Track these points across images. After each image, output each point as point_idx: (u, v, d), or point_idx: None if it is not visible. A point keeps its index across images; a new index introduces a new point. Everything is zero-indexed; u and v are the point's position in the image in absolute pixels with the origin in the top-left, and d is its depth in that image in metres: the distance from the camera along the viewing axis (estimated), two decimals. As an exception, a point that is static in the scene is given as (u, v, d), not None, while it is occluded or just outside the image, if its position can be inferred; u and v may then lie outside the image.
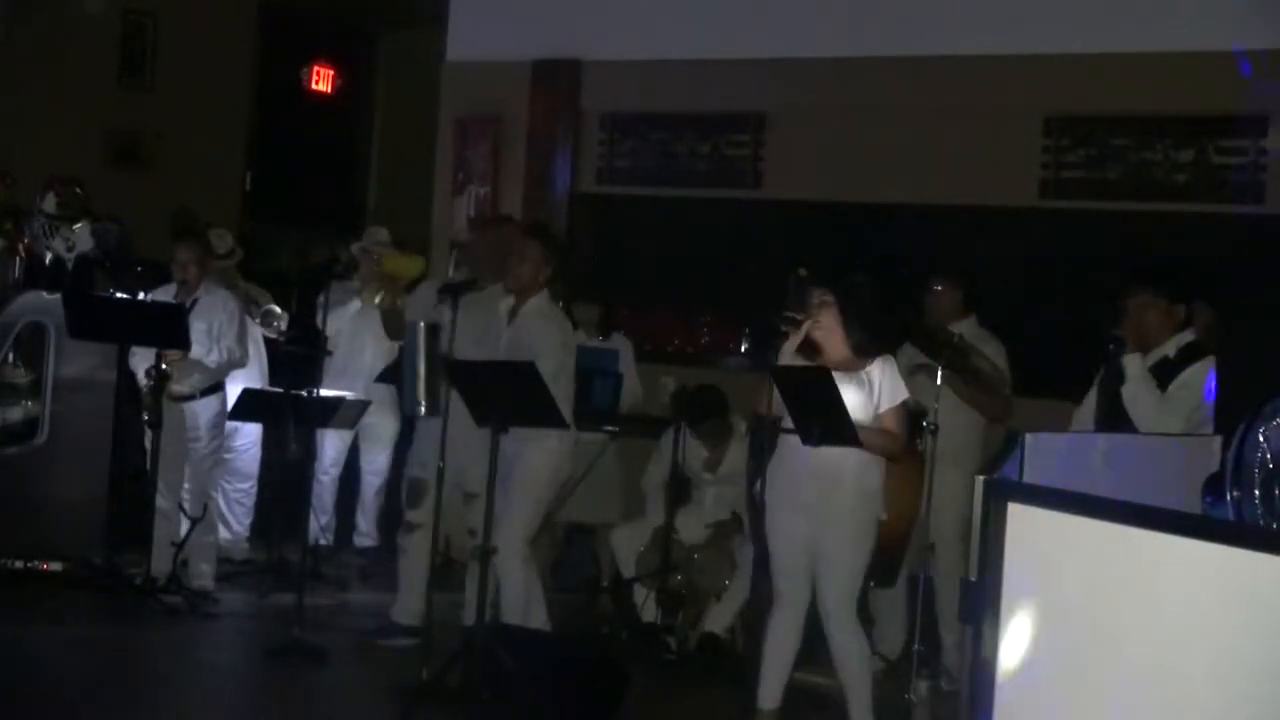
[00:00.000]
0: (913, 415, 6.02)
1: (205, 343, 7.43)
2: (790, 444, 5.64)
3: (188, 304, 7.48)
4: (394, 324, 7.54)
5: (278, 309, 8.59)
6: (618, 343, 8.37)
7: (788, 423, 5.63)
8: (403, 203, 12.38)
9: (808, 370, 5.85)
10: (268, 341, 8.59)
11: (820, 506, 5.55)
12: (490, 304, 6.47)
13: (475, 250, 7.18)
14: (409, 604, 6.88)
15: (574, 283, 9.08)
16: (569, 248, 6.65)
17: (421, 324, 6.37)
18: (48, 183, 8.27)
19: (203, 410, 7.58)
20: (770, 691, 5.71)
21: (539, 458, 6.16)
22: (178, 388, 7.42)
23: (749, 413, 7.22)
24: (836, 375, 5.58)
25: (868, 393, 5.59)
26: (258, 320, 8.44)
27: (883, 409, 5.59)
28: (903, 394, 5.65)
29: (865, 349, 5.65)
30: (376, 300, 7.79)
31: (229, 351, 7.55)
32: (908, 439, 5.87)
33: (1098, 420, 5.66)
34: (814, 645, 5.90)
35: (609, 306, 8.43)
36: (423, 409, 6.34)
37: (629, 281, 9.22)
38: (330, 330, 7.74)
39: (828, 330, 5.66)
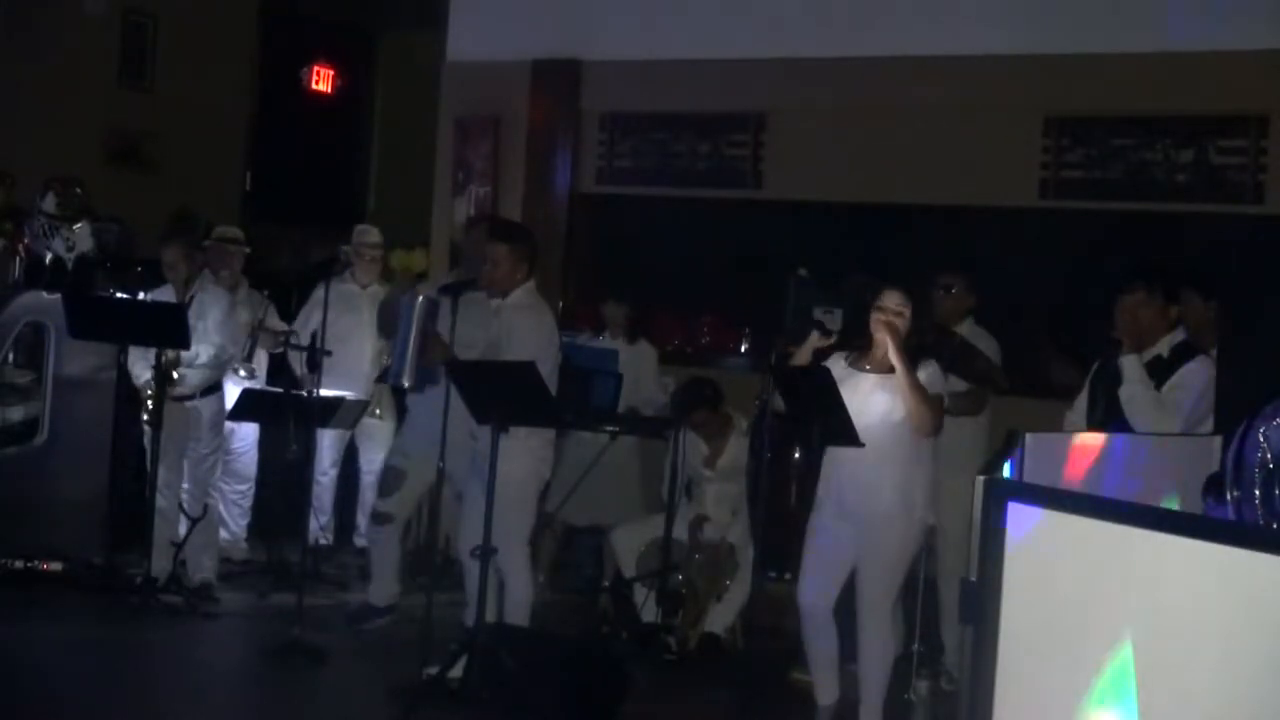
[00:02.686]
0: None
1: (203, 341, 7.44)
2: (838, 453, 5.71)
3: (185, 301, 7.48)
4: (389, 319, 7.31)
5: (281, 325, 8.56)
6: (642, 348, 8.37)
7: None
8: (403, 203, 12.39)
9: (809, 371, 5.88)
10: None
11: (866, 510, 5.63)
12: (485, 304, 6.48)
13: (468, 249, 7.22)
14: (383, 587, 7.17)
15: (603, 284, 9.10)
16: (533, 239, 6.63)
17: (420, 298, 6.33)
18: (48, 183, 8.26)
19: (204, 409, 7.58)
20: (826, 688, 5.87)
21: (516, 457, 6.09)
22: (179, 389, 7.42)
23: (749, 411, 7.26)
24: (871, 378, 5.65)
25: (900, 397, 5.64)
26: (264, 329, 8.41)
27: None
28: (938, 387, 5.74)
29: (913, 356, 5.71)
30: (383, 292, 7.76)
31: (216, 347, 7.52)
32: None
33: (1092, 420, 5.67)
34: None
35: (638, 310, 8.42)
36: (407, 382, 6.32)
37: (629, 281, 9.21)
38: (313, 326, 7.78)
39: (896, 338, 5.70)
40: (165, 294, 7.63)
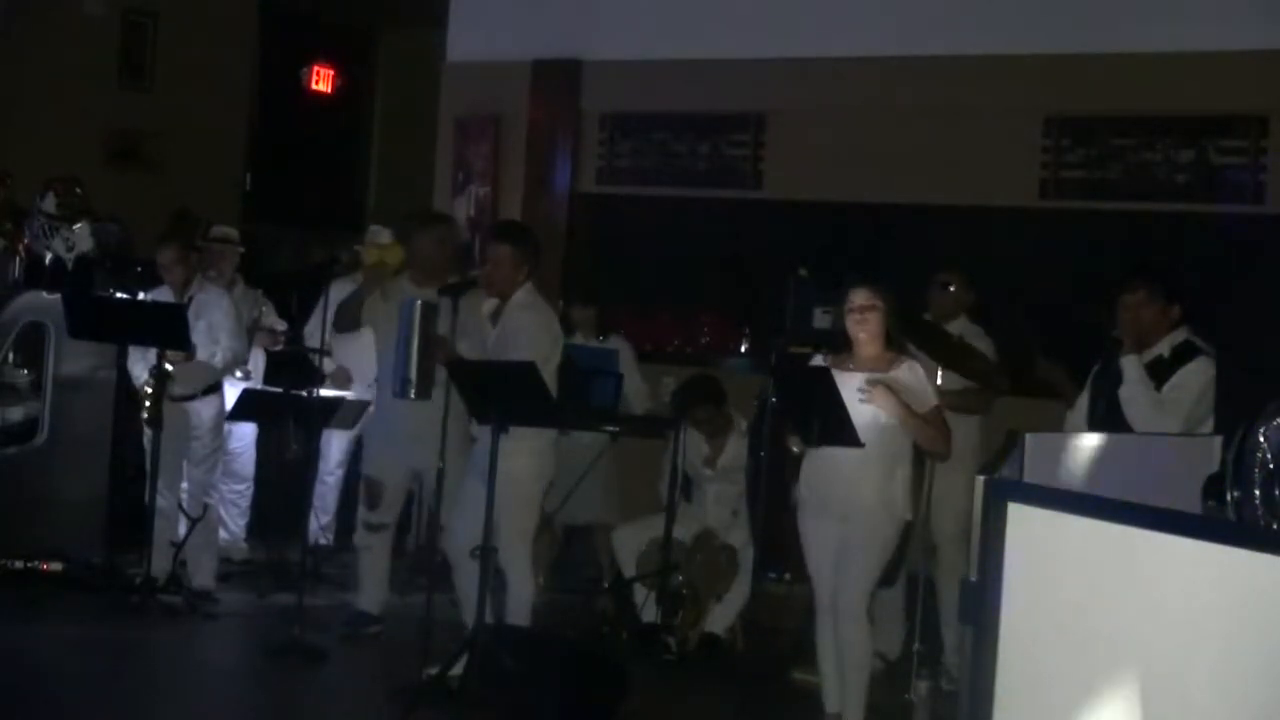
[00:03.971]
0: None
1: (204, 341, 7.43)
2: (819, 452, 5.69)
3: (184, 302, 7.48)
4: (346, 315, 7.10)
5: (281, 324, 8.55)
6: (616, 344, 8.36)
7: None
8: (403, 203, 12.35)
9: (808, 370, 5.88)
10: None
11: (846, 509, 5.61)
12: (479, 304, 6.47)
13: (417, 249, 7.06)
14: (375, 594, 7.09)
15: (572, 285, 9.10)
16: (536, 240, 6.62)
17: (418, 303, 6.26)
18: (48, 183, 8.26)
19: (203, 409, 7.57)
20: (836, 694, 5.82)
21: (521, 456, 6.08)
22: (180, 389, 7.42)
23: (749, 410, 7.26)
24: (856, 378, 5.65)
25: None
26: (260, 328, 8.40)
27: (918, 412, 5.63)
28: (932, 399, 5.69)
29: (896, 350, 5.69)
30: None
31: (230, 350, 7.55)
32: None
33: (1092, 421, 5.67)
34: (811, 645, 5.94)
35: (605, 308, 8.42)
36: (413, 391, 6.26)
37: (629, 281, 9.22)
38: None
39: (871, 334, 5.68)
40: (164, 294, 7.62)
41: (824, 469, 5.70)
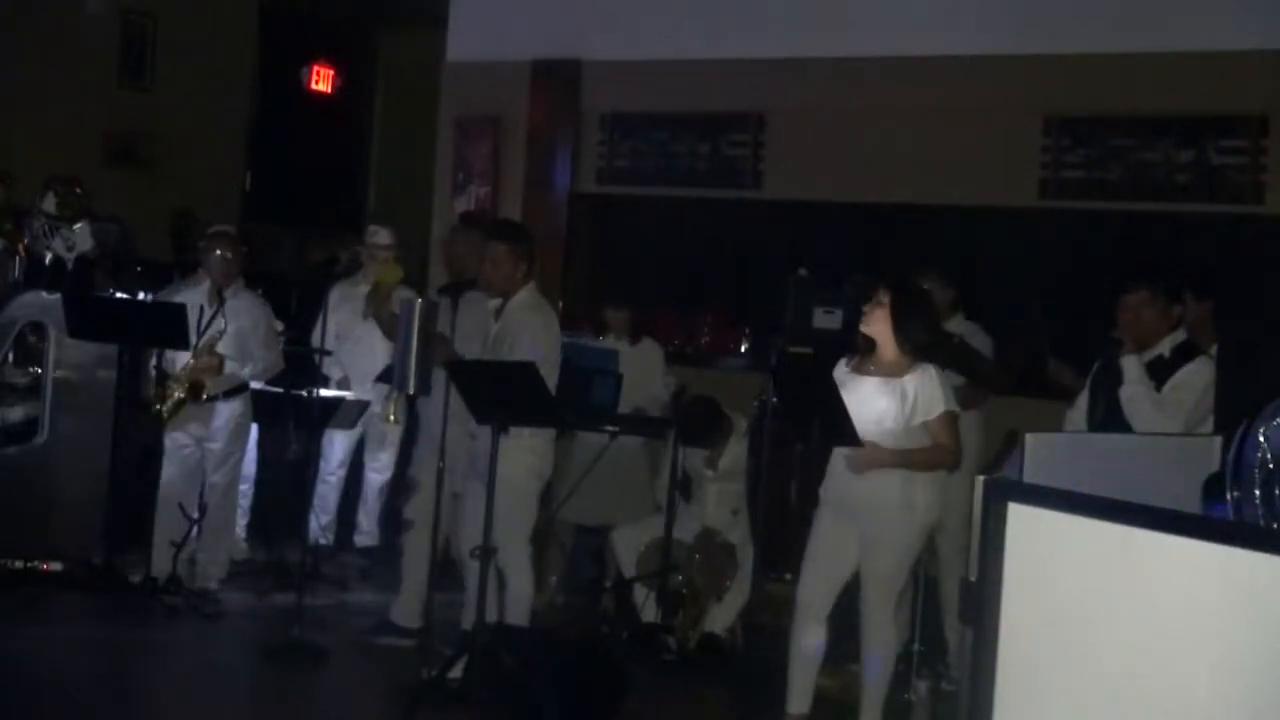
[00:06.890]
0: None
1: (233, 347, 7.37)
2: (840, 452, 5.69)
3: (216, 305, 7.41)
4: (386, 326, 7.29)
5: (278, 325, 8.55)
6: (646, 347, 8.32)
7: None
8: (403, 203, 12.37)
9: (809, 369, 5.87)
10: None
11: (866, 510, 5.61)
12: (483, 304, 6.48)
13: (455, 248, 7.13)
14: (407, 605, 6.95)
15: (604, 287, 9.08)
16: (531, 238, 6.63)
17: (418, 301, 6.30)
18: (48, 183, 8.26)
19: (224, 410, 7.52)
20: (799, 696, 5.78)
21: (519, 455, 6.10)
22: (210, 391, 7.39)
23: (749, 410, 7.26)
24: (872, 381, 5.62)
25: (899, 401, 5.59)
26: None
27: (919, 419, 5.59)
28: (941, 405, 5.60)
29: (912, 354, 5.65)
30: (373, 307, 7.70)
31: (263, 360, 7.50)
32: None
33: (1092, 420, 5.67)
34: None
35: (641, 311, 8.38)
36: (411, 389, 6.28)
37: (629, 281, 9.22)
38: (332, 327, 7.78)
39: (880, 332, 5.67)
40: (199, 294, 7.51)
41: (843, 470, 5.70)
